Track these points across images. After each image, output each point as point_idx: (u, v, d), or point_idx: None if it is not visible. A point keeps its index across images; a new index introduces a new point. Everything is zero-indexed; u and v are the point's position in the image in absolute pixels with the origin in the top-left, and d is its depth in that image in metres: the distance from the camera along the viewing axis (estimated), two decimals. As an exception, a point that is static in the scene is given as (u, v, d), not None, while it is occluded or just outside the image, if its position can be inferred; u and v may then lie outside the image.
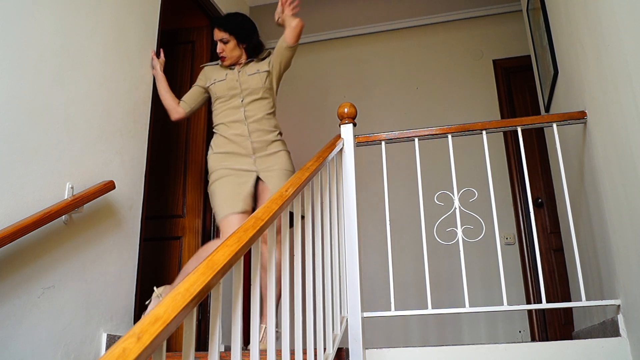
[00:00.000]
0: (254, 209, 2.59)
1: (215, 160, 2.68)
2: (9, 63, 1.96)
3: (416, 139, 2.36)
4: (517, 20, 4.34)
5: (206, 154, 2.83)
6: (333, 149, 2.10)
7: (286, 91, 4.93)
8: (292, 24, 2.75)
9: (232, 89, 2.75)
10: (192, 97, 2.87)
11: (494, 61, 4.48)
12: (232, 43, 2.79)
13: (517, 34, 4.33)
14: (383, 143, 2.40)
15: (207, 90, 2.85)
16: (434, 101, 4.48)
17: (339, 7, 4.60)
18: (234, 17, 2.88)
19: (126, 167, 2.56)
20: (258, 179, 2.63)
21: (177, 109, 2.82)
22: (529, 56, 3.54)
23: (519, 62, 4.33)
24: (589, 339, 1.99)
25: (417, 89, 4.58)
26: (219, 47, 2.80)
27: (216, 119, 2.76)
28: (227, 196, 2.56)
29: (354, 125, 2.35)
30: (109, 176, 2.39)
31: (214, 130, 2.77)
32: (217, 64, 2.86)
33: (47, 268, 2.02)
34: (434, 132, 2.35)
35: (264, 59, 2.85)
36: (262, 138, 2.68)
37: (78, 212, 2.18)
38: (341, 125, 2.35)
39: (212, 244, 2.59)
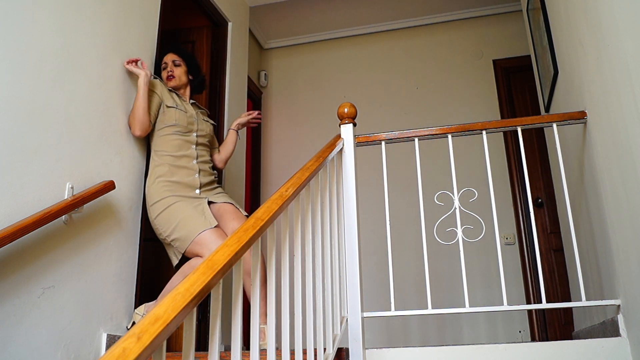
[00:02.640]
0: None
1: (161, 187, 2.51)
2: (9, 63, 1.96)
3: (416, 139, 2.36)
4: (517, 20, 4.35)
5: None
6: (333, 149, 2.10)
7: (286, 91, 4.94)
8: (233, 144, 2.98)
9: (191, 124, 2.70)
10: (155, 112, 2.65)
11: (494, 61, 4.48)
12: (183, 69, 2.83)
13: (517, 34, 4.33)
14: (383, 143, 2.40)
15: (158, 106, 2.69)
16: (434, 101, 4.49)
17: (339, 7, 4.60)
18: (188, 51, 2.98)
19: (126, 167, 2.56)
20: (209, 203, 2.59)
21: (149, 124, 2.59)
22: (529, 56, 3.55)
23: (519, 62, 4.33)
24: (589, 339, 1.99)
25: (417, 89, 4.59)
26: (169, 67, 2.80)
27: (164, 145, 2.60)
28: (192, 216, 2.44)
29: (354, 125, 2.35)
30: (109, 176, 2.39)
31: (156, 156, 2.60)
32: (163, 82, 2.79)
33: (47, 268, 2.02)
34: (434, 132, 2.35)
35: (208, 120, 2.89)
36: (208, 178, 2.67)
37: (78, 212, 2.18)
38: (341, 125, 2.35)
39: (195, 261, 2.42)
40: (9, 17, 1.98)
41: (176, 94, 2.80)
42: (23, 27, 2.04)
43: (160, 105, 2.67)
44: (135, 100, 2.56)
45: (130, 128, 2.58)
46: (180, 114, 2.67)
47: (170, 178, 2.53)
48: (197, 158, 2.65)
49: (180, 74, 2.82)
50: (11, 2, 2.00)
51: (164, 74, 2.82)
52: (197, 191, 2.57)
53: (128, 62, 2.60)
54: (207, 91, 3.55)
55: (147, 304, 2.47)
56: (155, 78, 2.77)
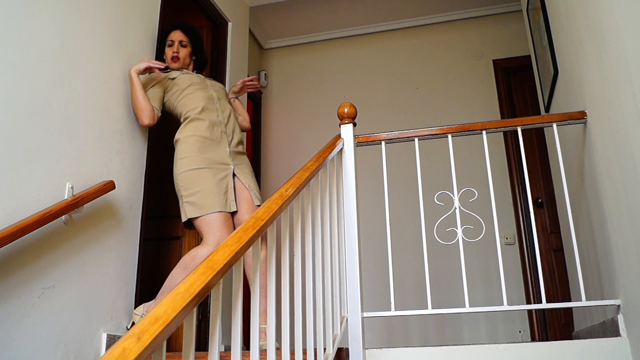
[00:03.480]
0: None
1: (194, 144, 2.52)
2: (9, 63, 1.96)
3: (416, 139, 2.36)
4: (517, 20, 4.35)
5: None
6: (333, 149, 2.10)
7: (286, 91, 4.94)
8: (244, 110, 3.00)
9: (202, 83, 2.73)
10: (159, 100, 2.67)
11: (494, 61, 4.48)
12: (188, 50, 2.84)
13: (517, 34, 4.33)
14: (383, 143, 2.40)
15: (164, 92, 2.71)
16: (434, 101, 4.49)
17: (339, 7, 4.60)
18: (195, 30, 2.96)
19: (126, 167, 2.56)
20: (233, 175, 2.59)
21: (153, 111, 2.61)
22: (529, 56, 3.55)
23: (519, 62, 4.33)
24: (589, 339, 1.99)
25: (417, 88, 4.59)
26: (175, 47, 2.79)
27: (189, 104, 2.63)
28: (214, 192, 2.45)
29: (354, 125, 2.35)
30: (109, 176, 2.39)
31: (185, 113, 2.62)
32: (167, 73, 2.79)
33: (47, 268, 2.02)
34: (434, 132, 2.35)
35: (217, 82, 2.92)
36: (236, 135, 2.68)
37: (78, 212, 2.18)
38: (341, 125, 2.35)
39: (196, 251, 2.41)
40: (9, 17, 1.98)
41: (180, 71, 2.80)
42: (23, 27, 2.04)
43: (163, 93, 2.68)
44: (131, 90, 2.57)
45: (138, 121, 2.60)
46: (189, 75, 2.73)
47: (202, 133, 2.54)
48: (224, 112, 2.67)
49: (185, 55, 2.82)
50: (11, 2, 2.00)
51: (169, 52, 2.81)
52: (227, 150, 2.58)
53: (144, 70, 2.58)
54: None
55: (145, 304, 2.47)
56: (166, 70, 2.77)
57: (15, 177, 1.92)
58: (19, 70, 2.00)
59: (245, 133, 2.86)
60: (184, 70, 2.81)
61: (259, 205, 2.54)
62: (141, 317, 2.39)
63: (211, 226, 2.40)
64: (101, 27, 2.49)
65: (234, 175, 2.58)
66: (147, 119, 2.56)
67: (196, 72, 2.87)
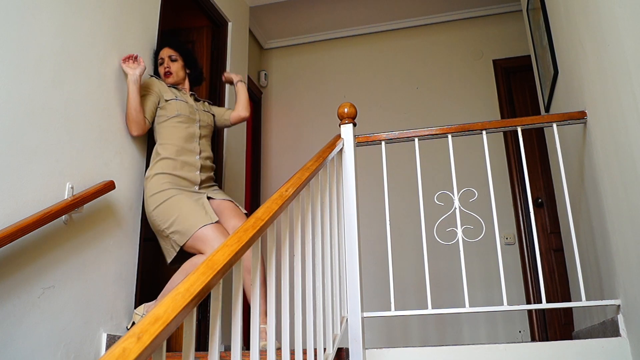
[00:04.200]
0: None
1: (162, 179, 2.48)
2: (9, 63, 1.96)
3: (416, 139, 2.36)
4: (517, 20, 4.35)
5: None
6: (333, 149, 2.10)
7: (286, 91, 4.94)
8: (243, 94, 2.97)
9: (192, 114, 2.70)
10: (152, 111, 2.64)
11: (494, 61, 4.49)
12: (180, 63, 2.82)
13: (517, 34, 4.33)
14: (383, 143, 2.40)
15: (158, 104, 2.68)
16: (434, 101, 4.49)
17: (339, 7, 4.60)
18: (184, 44, 2.96)
19: (126, 167, 2.56)
20: (208, 198, 2.57)
21: (144, 123, 2.58)
22: (529, 56, 3.55)
23: (519, 62, 4.33)
24: (589, 339, 1.99)
25: (417, 89, 4.59)
26: (166, 63, 2.78)
27: (169, 137, 2.59)
28: (193, 209, 2.40)
29: (354, 125, 2.35)
30: (109, 176, 2.39)
31: (160, 148, 2.57)
32: (161, 79, 2.79)
33: (47, 268, 2.02)
34: (434, 132, 2.35)
35: (208, 111, 2.88)
36: (207, 175, 2.67)
37: (78, 212, 2.18)
38: (341, 125, 2.35)
39: (198, 259, 2.38)
40: (8, 17, 1.98)
41: (175, 88, 2.80)
42: (23, 27, 2.04)
43: (157, 104, 2.65)
44: (127, 100, 2.53)
45: (127, 128, 2.57)
46: (181, 104, 2.67)
47: (173, 172, 2.51)
48: (200, 153, 2.64)
49: (177, 69, 2.81)
50: (11, 2, 2.00)
51: (161, 70, 2.80)
52: (196, 187, 2.57)
53: (124, 60, 2.57)
54: (207, 91, 3.55)
55: (146, 304, 2.46)
56: (152, 76, 2.77)
57: (15, 177, 1.92)
58: (19, 70, 2.00)
59: (215, 168, 2.84)
60: (180, 92, 2.78)
61: (246, 214, 2.62)
62: (141, 317, 2.38)
63: (205, 239, 2.33)
64: (101, 27, 2.49)
65: (209, 198, 2.57)
66: (136, 130, 2.55)
67: (191, 93, 2.86)
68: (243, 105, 2.96)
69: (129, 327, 2.42)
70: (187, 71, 2.88)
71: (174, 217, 2.39)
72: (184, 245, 2.38)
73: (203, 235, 2.33)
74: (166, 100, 2.66)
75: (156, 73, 2.84)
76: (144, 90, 2.63)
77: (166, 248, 2.46)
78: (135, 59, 2.59)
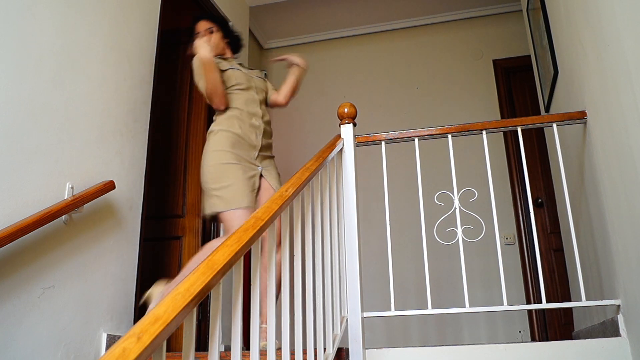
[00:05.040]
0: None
1: (226, 138, 2.52)
2: (9, 63, 1.96)
3: (416, 139, 2.36)
4: (517, 20, 4.35)
5: None
6: (333, 149, 2.10)
7: (286, 91, 4.93)
8: (290, 79, 2.86)
9: (248, 80, 2.72)
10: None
11: (494, 61, 4.48)
12: (219, 34, 2.79)
13: (517, 34, 4.33)
14: (383, 143, 2.40)
15: None
16: (434, 101, 4.49)
17: (339, 8, 4.60)
18: (218, 15, 2.97)
19: (126, 167, 2.56)
20: (260, 176, 2.59)
21: (226, 97, 2.61)
22: (529, 56, 3.54)
23: (519, 62, 4.33)
24: (589, 339, 1.99)
25: (417, 89, 4.59)
26: (204, 37, 2.71)
27: (233, 102, 2.63)
28: (244, 186, 2.45)
29: (354, 125, 2.35)
30: (109, 176, 2.40)
31: (224, 112, 2.61)
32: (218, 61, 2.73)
33: (47, 268, 2.02)
34: (434, 132, 2.35)
35: (261, 77, 2.87)
36: (267, 141, 2.67)
37: (78, 212, 2.18)
38: (341, 125, 2.35)
39: (216, 242, 2.48)
40: (9, 17, 1.98)
41: (223, 58, 2.77)
42: (23, 27, 2.04)
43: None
44: (208, 75, 2.52)
45: (212, 104, 2.59)
46: (237, 73, 2.69)
47: (237, 131, 2.54)
48: (262, 117, 2.67)
49: (217, 40, 2.78)
50: (11, 2, 2.00)
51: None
52: (255, 153, 2.57)
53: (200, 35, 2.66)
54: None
55: (159, 282, 2.47)
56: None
57: (15, 177, 1.92)
58: (19, 70, 2.00)
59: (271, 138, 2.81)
60: (232, 63, 2.77)
61: None
62: (156, 297, 2.40)
63: (237, 222, 2.36)
64: (101, 27, 2.49)
65: (261, 176, 2.59)
66: (224, 103, 2.59)
67: (239, 64, 2.83)
68: (284, 91, 2.87)
69: (140, 303, 2.47)
70: (226, 40, 2.86)
71: (226, 183, 2.43)
72: (219, 212, 2.43)
73: (238, 215, 2.38)
74: (222, 71, 2.65)
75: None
76: (196, 64, 2.62)
77: (206, 203, 2.51)
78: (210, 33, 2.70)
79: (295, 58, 2.89)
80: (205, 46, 2.52)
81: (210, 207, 2.47)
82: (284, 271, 1.54)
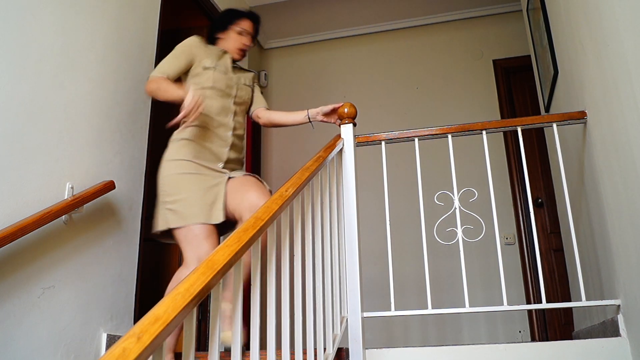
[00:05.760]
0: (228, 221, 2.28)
1: (186, 147, 2.28)
2: (9, 63, 1.96)
3: (416, 139, 2.36)
4: (517, 20, 4.35)
5: None
6: (333, 149, 2.10)
7: (286, 91, 4.94)
8: (294, 117, 2.55)
9: (229, 87, 2.45)
10: (175, 74, 2.38)
11: (494, 61, 4.48)
12: (252, 41, 2.62)
13: (517, 34, 4.33)
14: (383, 143, 2.40)
15: (188, 68, 2.42)
16: (434, 101, 4.49)
17: (339, 7, 4.60)
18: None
19: (126, 167, 2.56)
20: (230, 179, 2.32)
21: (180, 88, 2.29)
22: (529, 56, 3.54)
23: (519, 62, 4.33)
24: (589, 339, 1.99)
25: (417, 89, 4.59)
26: (248, 40, 2.54)
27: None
28: (199, 201, 2.19)
29: (354, 125, 2.35)
30: (109, 176, 2.40)
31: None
32: (203, 42, 2.50)
33: (47, 268, 2.02)
34: (434, 132, 2.35)
35: (249, 85, 2.59)
36: (236, 155, 2.43)
37: (78, 212, 2.18)
38: (341, 125, 2.35)
39: (178, 275, 2.21)
40: (9, 17, 1.98)
41: (223, 53, 2.52)
42: (23, 27, 2.04)
43: (185, 69, 2.40)
44: (170, 93, 2.25)
45: (146, 91, 2.36)
46: (218, 76, 2.42)
47: (200, 141, 2.31)
48: (233, 130, 2.41)
49: (246, 45, 2.57)
50: (11, 2, 2.00)
51: (238, 42, 2.53)
52: (220, 165, 2.33)
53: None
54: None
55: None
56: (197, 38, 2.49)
57: (15, 177, 1.92)
58: (19, 70, 2.00)
59: (244, 154, 2.56)
60: (223, 58, 2.49)
61: (270, 191, 2.33)
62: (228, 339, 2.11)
63: (191, 241, 2.15)
64: (101, 27, 2.49)
65: (230, 178, 2.32)
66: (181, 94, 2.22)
67: (234, 65, 2.54)
68: (276, 118, 2.58)
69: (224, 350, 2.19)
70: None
71: (180, 196, 2.20)
72: (173, 229, 2.20)
73: (193, 233, 2.15)
74: (204, 68, 2.40)
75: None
76: (176, 50, 2.43)
77: (157, 218, 2.26)
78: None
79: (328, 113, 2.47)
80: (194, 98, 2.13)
81: (162, 222, 2.22)
82: (284, 271, 1.54)
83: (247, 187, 2.26)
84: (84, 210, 2.20)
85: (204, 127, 2.34)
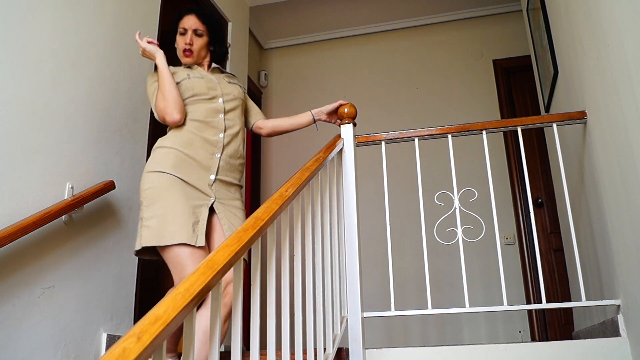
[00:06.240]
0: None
1: (170, 156, 2.00)
2: (9, 63, 1.96)
3: (416, 139, 2.36)
4: (517, 20, 4.35)
5: None
6: (333, 149, 2.10)
7: (286, 91, 4.94)
8: (299, 120, 2.41)
9: (212, 89, 2.18)
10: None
11: (494, 61, 4.49)
12: (204, 40, 2.26)
13: (517, 34, 4.33)
14: (383, 143, 2.40)
15: None
16: (434, 101, 4.49)
17: (339, 7, 4.60)
18: (214, 16, 2.37)
19: (126, 167, 2.56)
20: (212, 210, 2.02)
21: (183, 108, 2.09)
22: (529, 56, 3.55)
23: (519, 62, 4.33)
24: (589, 339, 1.99)
25: (417, 89, 4.59)
26: (188, 37, 2.22)
27: (189, 113, 2.11)
28: (181, 218, 1.90)
29: (354, 125, 2.35)
30: (109, 176, 2.40)
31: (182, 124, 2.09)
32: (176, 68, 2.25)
33: (47, 268, 2.02)
34: (434, 132, 2.35)
35: (235, 83, 2.33)
36: (231, 162, 2.13)
37: (78, 212, 2.18)
38: (341, 125, 2.35)
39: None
40: (9, 17, 1.98)
41: (187, 67, 2.26)
42: (23, 28, 2.04)
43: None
44: (163, 82, 2.07)
45: (165, 117, 2.06)
46: (195, 82, 2.15)
47: (185, 149, 2.02)
48: (224, 130, 2.11)
49: (199, 47, 2.24)
50: (11, 2, 2.00)
51: (180, 43, 2.25)
52: (212, 177, 2.03)
53: (149, 41, 2.18)
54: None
55: None
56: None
57: (15, 177, 1.92)
58: (19, 70, 2.00)
59: (244, 158, 2.28)
60: (194, 69, 2.25)
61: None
62: None
63: (174, 262, 1.88)
64: (101, 27, 2.49)
65: (213, 210, 2.02)
66: (181, 113, 2.05)
67: (211, 70, 2.31)
68: (283, 123, 2.46)
69: None
70: (211, 48, 2.32)
71: (160, 211, 1.91)
72: (159, 247, 1.92)
73: (176, 256, 1.87)
74: (177, 83, 2.14)
75: (166, 45, 2.28)
76: (150, 79, 2.21)
77: (137, 236, 2.00)
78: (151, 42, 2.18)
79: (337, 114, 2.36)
80: (160, 53, 2.11)
81: (139, 241, 1.94)
82: (283, 271, 1.54)
83: (219, 232, 2.01)
84: (84, 210, 2.20)
85: (191, 132, 2.06)
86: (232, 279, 1.72)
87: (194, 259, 1.87)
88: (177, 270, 1.87)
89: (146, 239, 1.90)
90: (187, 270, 1.85)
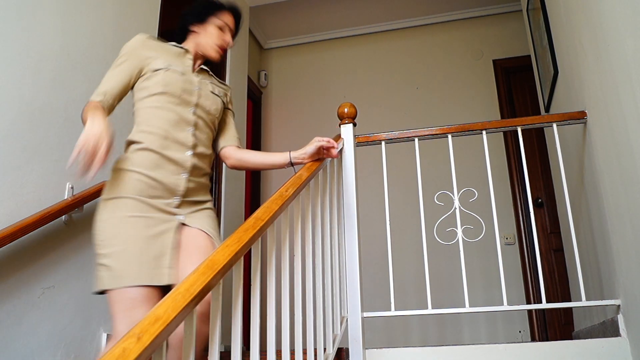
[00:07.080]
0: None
1: (130, 180, 1.72)
2: (10, 63, 1.96)
3: (416, 139, 2.36)
4: (517, 20, 4.35)
5: None
6: (333, 149, 2.09)
7: (286, 91, 4.94)
8: (273, 158, 1.97)
9: (188, 93, 1.82)
10: (120, 94, 1.81)
11: (494, 61, 4.49)
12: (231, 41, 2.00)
13: (517, 34, 4.34)
14: (383, 143, 2.40)
15: (137, 78, 1.81)
16: (434, 101, 4.49)
17: (339, 7, 4.60)
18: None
19: (126, 167, 2.55)
20: (182, 225, 1.73)
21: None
22: (529, 56, 3.55)
23: (519, 62, 4.33)
24: (589, 339, 1.99)
25: (417, 89, 4.59)
26: (228, 36, 1.96)
27: (152, 119, 1.76)
28: (141, 253, 1.61)
29: (354, 125, 2.35)
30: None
31: (138, 133, 1.77)
32: (170, 43, 1.92)
33: (47, 268, 2.02)
34: (434, 132, 2.35)
35: (219, 96, 1.95)
36: (197, 182, 1.79)
37: (78, 212, 2.18)
38: (341, 125, 2.35)
39: (108, 347, 1.76)
40: (9, 17, 1.98)
41: (185, 51, 1.91)
42: (23, 28, 2.04)
43: (128, 84, 1.80)
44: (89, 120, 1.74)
45: (83, 116, 1.81)
46: (172, 77, 1.80)
47: (147, 171, 1.71)
48: (193, 148, 1.77)
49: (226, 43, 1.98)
50: (11, 2, 2.00)
51: (217, 39, 1.92)
52: (176, 200, 1.72)
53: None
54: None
55: None
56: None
57: (15, 177, 1.92)
58: (19, 70, 2.00)
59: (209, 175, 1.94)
60: (184, 57, 1.89)
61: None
62: None
63: (123, 305, 1.56)
64: (101, 27, 2.49)
65: (182, 225, 1.73)
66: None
67: (203, 68, 1.95)
68: (254, 158, 1.99)
69: None
70: None
71: (116, 248, 1.61)
72: (108, 291, 1.58)
73: (127, 296, 1.56)
74: (153, 71, 1.80)
75: (177, 40, 1.96)
76: (118, 59, 1.81)
77: (95, 275, 1.64)
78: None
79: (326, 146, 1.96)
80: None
81: (98, 282, 1.61)
82: (283, 271, 1.54)
83: (193, 247, 1.71)
84: (84, 210, 2.20)
85: (153, 152, 1.73)
86: (182, 336, 1.51)
87: (149, 301, 1.59)
88: (124, 313, 1.56)
89: (106, 281, 1.59)
90: (138, 313, 1.56)
